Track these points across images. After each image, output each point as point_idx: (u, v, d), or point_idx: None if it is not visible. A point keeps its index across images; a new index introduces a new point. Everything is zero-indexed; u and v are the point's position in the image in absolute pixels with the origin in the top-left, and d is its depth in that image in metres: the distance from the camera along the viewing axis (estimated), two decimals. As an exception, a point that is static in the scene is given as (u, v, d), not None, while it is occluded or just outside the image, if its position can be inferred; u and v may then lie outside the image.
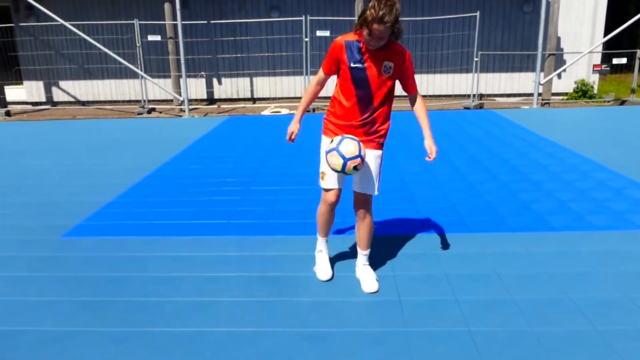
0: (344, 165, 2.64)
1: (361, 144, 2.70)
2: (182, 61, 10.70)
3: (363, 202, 2.91)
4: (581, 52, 11.50)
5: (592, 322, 2.58)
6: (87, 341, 2.51)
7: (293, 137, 2.98)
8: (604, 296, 2.83)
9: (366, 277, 3.00)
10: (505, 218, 4.05)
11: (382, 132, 2.86)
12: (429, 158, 2.84)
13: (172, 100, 12.02)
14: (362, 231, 2.99)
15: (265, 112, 10.88)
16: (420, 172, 5.44)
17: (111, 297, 2.95)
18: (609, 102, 11.81)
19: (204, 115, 10.79)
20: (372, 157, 2.85)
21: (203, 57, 12.54)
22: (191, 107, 11.43)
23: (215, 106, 12.22)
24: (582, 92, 12.03)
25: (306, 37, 10.87)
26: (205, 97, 12.86)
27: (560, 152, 6.18)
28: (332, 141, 2.72)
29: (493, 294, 2.89)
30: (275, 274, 3.19)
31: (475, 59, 11.14)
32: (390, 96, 2.82)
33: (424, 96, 12.46)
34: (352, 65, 2.69)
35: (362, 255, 3.06)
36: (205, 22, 12.15)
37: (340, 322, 2.64)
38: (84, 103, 12.84)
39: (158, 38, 11.58)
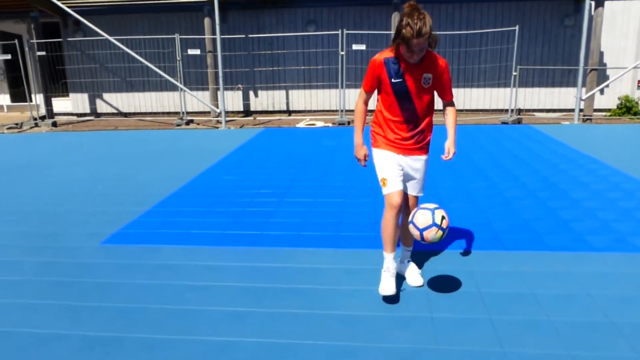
0: (421, 236, 2.74)
1: (436, 212, 2.74)
2: (220, 74, 10.94)
3: (413, 203, 3.09)
4: (625, 68, 11.16)
5: (634, 347, 2.47)
6: (122, 347, 2.57)
7: (367, 159, 3.07)
8: (648, 321, 2.71)
9: (412, 271, 3.19)
10: (543, 236, 3.94)
11: (429, 139, 3.04)
12: (445, 157, 2.97)
13: (209, 112, 12.29)
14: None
15: (300, 125, 10.97)
16: (455, 187, 5.36)
17: (146, 304, 3.01)
18: (655, 118, 11.37)
19: (240, 127, 10.96)
20: (422, 162, 3.04)
21: (240, 70, 12.79)
22: (228, 119, 11.64)
23: (251, 118, 12.41)
24: (627, 109, 11.64)
25: (342, 50, 10.94)
26: (241, 109, 13.08)
27: (602, 170, 5.99)
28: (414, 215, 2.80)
29: (529, 314, 2.80)
30: (307, 286, 3.20)
31: (514, 73, 10.96)
32: (432, 106, 2.96)
33: (460, 110, 12.33)
34: (393, 81, 2.79)
35: (407, 251, 3.24)
36: (243, 36, 12.41)
37: (370, 337, 2.61)
38: (125, 114, 13.26)
39: (197, 52, 11.88)
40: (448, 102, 3.01)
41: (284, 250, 3.78)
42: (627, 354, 2.41)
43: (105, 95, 13.34)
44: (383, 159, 2.96)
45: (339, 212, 4.64)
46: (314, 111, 12.83)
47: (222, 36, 10.94)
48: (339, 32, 10.98)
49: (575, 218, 4.31)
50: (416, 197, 3.10)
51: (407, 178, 3.02)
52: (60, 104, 13.31)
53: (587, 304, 2.90)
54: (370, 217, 4.48)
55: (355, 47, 11.41)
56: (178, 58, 11.69)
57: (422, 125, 2.94)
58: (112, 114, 13.36)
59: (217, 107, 11.57)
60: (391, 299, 2.95)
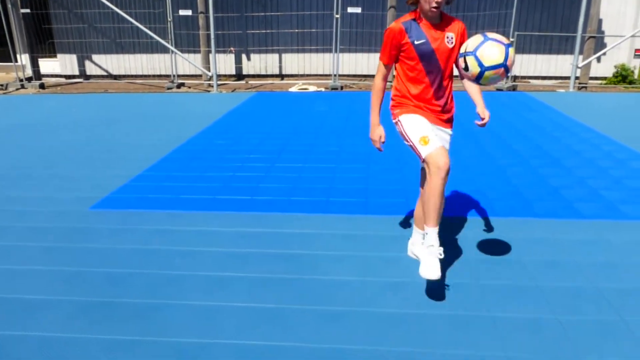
0: (481, 74, 2.30)
1: (510, 50, 2.29)
2: (212, 36, 10.70)
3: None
4: (623, 36, 11.01)
5: (619, 312, 2.51)
6: (112, 312, 2.57)
7: (383, 141, 2.83)
8: (632, 286, 2.74)
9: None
10: (533, 203, 3.95)
11: (453, 111, 2.90)
12: (482, 122, 2.74)
13: (201, 76, 12.08)
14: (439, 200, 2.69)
15: (293, 89, 10.83)
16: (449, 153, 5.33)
17: (136, 269, 3.01)
18: (650, 87, 11.31)
19: (232, 91, 10.81)
20: (449, 136, 2.92)
21: (233, 33, 12.51)
22: (219, 82, 11.46)
23: (243, 82, 12.22)
24: (622, 77, 11.55)
25: (337, 13, 10.70)
26: (233, 72, 12.86)
27: (595, 138, 5.98)
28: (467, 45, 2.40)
29: (516, 279, 2.83)
30: (296, 251, 3.20)
31: (512, 40, 10.79)
32: (453, 72, 2.78)
33: (457, 76, 12.19)
34: (416, 42, 2.62)
35: (420, 233, 2.94)
36: (236, -4, 12.09)
37: (359, 301, 2.63)
38: (115, 77, 13.01)
39: (189, 12, 11.59)
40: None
41: (274, 216, 3.77)
42: (610, 318, 2.45)
43: (95, 57, 13.05)
44: (414, 120, 2.70)
45: (329, 177, 4.62)
46: (307, 75, 12.65)
47: (213, -4, 10.64)
48: (334, -6, 10.70)
49: (565, 185, 4.32)
50: None
51: None
52: (47, 65, 13.01)
53: (573, 270, 2.93)
54: (360, 182, 4.47)
55: (350, 9, 11.15)
56: (169, 19, 11.39)
57: (447, 93, 2.78)
58: (102, 76, 13.10)
59: (209, 71, 11.36)
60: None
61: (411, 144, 2.69)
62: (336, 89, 10.79)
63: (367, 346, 2.28)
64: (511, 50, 2.29)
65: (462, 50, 2.43)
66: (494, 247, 3.23)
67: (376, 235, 3.41)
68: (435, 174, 2.56)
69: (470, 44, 2.35)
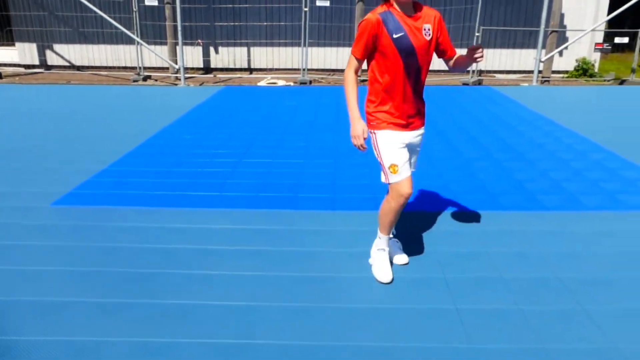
0: None
1: None
2: (179, 28, 10.50)
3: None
4: (584, 30, 11.33)
5: (579, 301, 2.59)
6: (78, 312, 2.51)
7: (365, 136, 2.60)
8: (593, 276, 2.84)
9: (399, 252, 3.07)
10: (498, 197, 4.04)
11: (424, 107, 2.80)
12: (479, 55, 2.56)
13: (168, 68, 11.84)
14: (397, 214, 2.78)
15: (262, 83, 10.74)
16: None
17: (102, 267, 2.94)
18: (608, 81, 11.70)
19: (200, 85, 10.65)
20: (422, 136, 2.82)
21: (200, 25, 12.30)
22: (187, 75, 11.27)
23: (211, 75, 12.05)
24: (583, 71, 11.90)
25: (305, 6, 10.65)
26: (201, 65, 12.66)
27: (557, 131, 6.14)
28: None
29: (481, 271, 2.89)
30: (265, 247, 3.19)
31: (477, 34, 10.96)
32: (429, 66, 2.70)
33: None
34: (394, 36, 2.50)
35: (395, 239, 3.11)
36: (203, -12, 11.87)
37: (327, 297, 2.64)
38: (78, 68, 12.63)
39: (155, 3, 11.32)
40: (453, 55, 2.75)
41: (242, 212, 3.74)
42: (571, 307, 2.53)
43: (56, 47, 12.63)
44: (389, 142, 2.63)
45: (298, 173, 4.61)
46: (276, 69, 12.56)
47: (179, -13, 10.42)
48: (302, -14, 10.64)
49: (529, 178, 4.43)
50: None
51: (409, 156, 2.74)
52: (5, 54, 12.52)
53: (536, 261, 3.01)
54: (329, 178, 4.47)
55: (319, 3, 11.10)
56: (134, 9, 11.11)
57: (421, 86, 2.69)
58: (64, 67, 12.69)
59: (176, 63, 11.15)
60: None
61: (381, 162, 2.69)
62: (305, 83, 10.76)
63: (338, 342, 2.29)
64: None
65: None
66: (461, 241, 3.28)
67: (345, 231, 3.42)
68: (396, 199, 2.67)
69: None
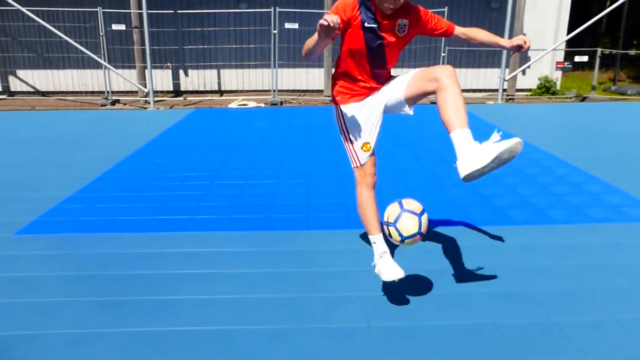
0: (402, 241, 2.50)
1: (423, 219, 2.48)
2: (148, 51, 10.46)
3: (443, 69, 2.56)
4: (545, 49, 11.76)
5: (549, 314, 2.64)
6: (44, 345, 2.42)
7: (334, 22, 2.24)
8: (562, 288, 2.90)
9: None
10: (468, 211, 4.10)
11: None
12: (525, 44, 2.68)
13: (137, 92, 11.75)
14: (458, 100, 2.62)
15: (232, 105, 10.74)
16: (385, 167, 5.46)
17: (68, 297, 2.85)
18: (570, 98, 12.13)
19: (170, 108, 10.58)
20: (386, 93, 2.68)
21: (169, 48, 12.29)
22: (156, 99, 11.20)
23: (181, 98, 12.00)
24: (546, 89, 12.32)
25: (275, 29, 10.77)
26: (171, 88, 12.61)
27: (524, 148, 6.29)
28: (389, 216, 2.53)
29: (453, 287, 2.92)
30: (239, 270, 3.15)
31: (443, 54, 11.26)
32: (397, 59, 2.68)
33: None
34: (366, 25, 2.42)
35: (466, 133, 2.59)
36: (172, 11, 11.89)
37: (303, 318, 2.62)
38: (44, 94, 12.40)
39: (123, 27, 11.28)
40: (455, 31, 2.76)
41: (215, 235, 3.70)
42: (541, 320, 2.57)
43: (20, 72, 12.39)
44: (357, 120, 2.63)
45: (271, 194, 4.60)
46: (247, 91, 12.60)
47: (148, 11, 10.41)
48: (272, 9, 10.77)
49: (497, 194, 4.52)
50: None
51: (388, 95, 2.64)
52: (-33, 82, 12.23)
53: (506, 274, 3.06)
54: (302, 198, 4.48)
55: (287, 25, 11.26)
56: (101, 33, 11.04)
57: (385, 78, 2.68)
58: (28, 93, 12.45)
59: (145, 87, 11.08)
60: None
61: (347, 142, 2.70)
62: (276, 104, 10.81)
63: (313, 363, 2.27)
64: (424, 218, 2.50)
65: (384, 219, 2.55)
66: (433, 257, 3.31)
67: (319, 251, 3.42)
68: (365, 188, 2.73)
69: (391, 214, 2.52)
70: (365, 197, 2.74)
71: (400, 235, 2.46)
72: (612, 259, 3.26)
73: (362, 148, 2.66)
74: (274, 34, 10.82)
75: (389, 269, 2.61)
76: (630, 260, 3.24)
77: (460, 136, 2.45)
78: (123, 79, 11.52)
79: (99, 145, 6.65)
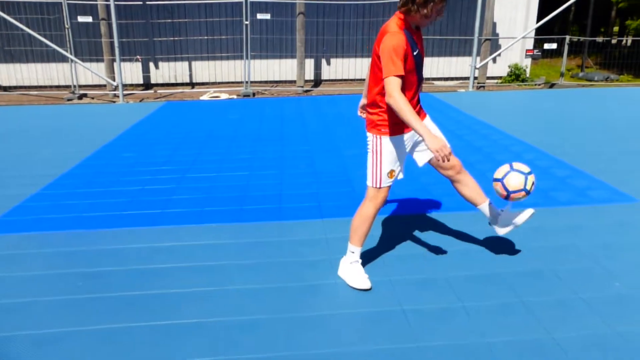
0: (507, 196, 2.74)
1: (529, 178, 2.72)
2: (116, 44, 10.22)
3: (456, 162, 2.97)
4: (515, 37, 11.91)
5: (518, 294, 2.69)
6: (9, 345, 2.36)
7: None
8: (529, 269, 2.96)
9: (515, 213, 2.97)
10: (442, 198, 4.14)
11: None
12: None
13: (105, 86, 11.49)
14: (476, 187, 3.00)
15: (204, 97, 10.61)
16: (359, 155, 5.47)
17: (33, 297, 2.78)
18: (539, 85, 12.33)
19: (140, 101, 10.39)
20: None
21: (138, 40, 12.04)
22: (126, 92, 10.98)
23: (151, 91, 11.79)
24: (516, 76, 12.50)
25: (246, 20, 10.64)
26: (141, 82, 12.38)
27: (494, 134, 6.40)
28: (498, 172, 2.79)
29: (426, 272, 2.95)
30: (212, 263, 3.12)
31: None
32: None
33: (363, 80, 12.56)
34: (414, 53, 2.56)
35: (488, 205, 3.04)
36: (141, 2, 11.63)
37: (276, 308, 2.61)
38: (5, 88, 12.03)
39: (89, 19, 10.99)
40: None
41: (187, 228, 3.65)
42: (509, 300, 2.62)
43: (-18, 68, 11.99)
44: (394, 151, 2.71)
45: (243, 185, 4.57)
46: (219, 83, 12.45)
47: (116, 2, 10.16)
48: (243, 0, 10.63)
49: (468, 180, 4.57)
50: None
51: (420, 146, 2.89)
52: None
53: (477, 257, 3.10)
54: (274, 189, 4.46)
55: (259, 16, 11.14)
56: (67, 25, 10.73)
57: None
58: (-8, 89, 12.06)
59: (114, 80, 10.85)
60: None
61: (375, 167, 2.73)
62: (248, 95, 10.72)
63: (288, 352, 2.26)
64: (530, 177, 2.74)
65: (494, 176, 2.81)
66: (404, 243, 3.34)
67: (292, 241, 3.41)
68: (374, 206, 2.78)
69: (500, 171, 2.80)
70: (370, 215, 2.80)
71: (507, 190, 2.72)
72: (576, 240, 3.34)
73: (387, 174, 2.75)
74: (246, 25, 10.69)
75: (359, 278, 2.81)
76: (593, 241, 3.33)
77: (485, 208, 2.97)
78: (91, 72, 11.25)
79: (65, 141, 6.50)
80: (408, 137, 2.77)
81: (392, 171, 2.74)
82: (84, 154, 5.75)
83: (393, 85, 2.42)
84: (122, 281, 2.91)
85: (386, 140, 2.69)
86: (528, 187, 2.70)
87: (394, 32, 2.47)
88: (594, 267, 2.98)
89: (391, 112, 2.61)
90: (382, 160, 2.72)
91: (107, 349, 2.31)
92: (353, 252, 2.85)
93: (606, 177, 4.61)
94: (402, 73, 2.44)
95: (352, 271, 2.84)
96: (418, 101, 2.77)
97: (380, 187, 2.75)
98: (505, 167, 2.79)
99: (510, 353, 2.24)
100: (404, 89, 2.51)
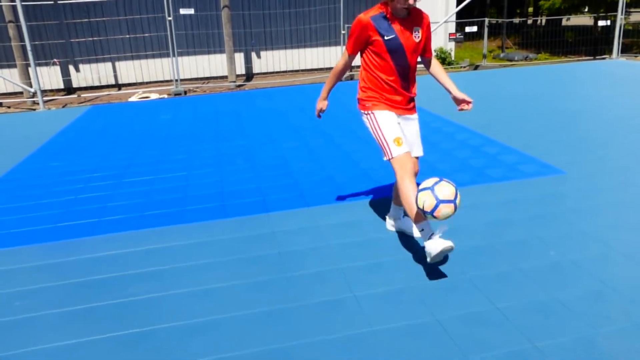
0: (435, 206, 2.45)
1: (458, 193, 2.50)
2: (29, 47, 9.59)
3: (415, 165, 2.97)
4: (437, 22, 12.30)
5: (462, 270, 2.80)
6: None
7: (323, 110, 3.24)
8: (470, 245, 3.08)
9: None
10: (381, 183, 4.23)
11: (415, 93, 2.97)
12: (466, 107, 2.90)
13: (22, 93, 10.78)
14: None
15: (133, 99, 10.21)
16: (298, 147, 5.48)
17: (-37, 321, 2.58)
18: (464, 67, 12.83)
19: (63, 107, 9.84)
20: (416, 121, 2.99)
21: (54, 42, 11.37)
22: (46, 98, 10.36)
23: (75, 96, 11.19)
24: (442, 60, 12.93)
25: (169, 16, 10.31)
26: (62, 86, 11.72)
27: (425, 117, 6.59)
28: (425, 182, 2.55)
29: (376, 258, 3.01)
30: (155, 268, 3.02)
31: (342, 32, 11.41)
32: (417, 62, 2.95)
33: (296, 71, 12.55)
34: (385, 38, 2.73)
35: (400, 209, 3.23)
36: (52, 2, 10.96)
37: (227, 307, 2.58)
38: None
39: (-4, 23, 10.23)
40: (430, 56, 3.01)
41: (127, 235, 3.51)
42: (456, 277, 2.73)
43: None
44: (389, 120, 2.84)
45: (183, 186, 4.45)
46: (147, 83, 12.02)
47: (23, 3, 9.52)
48: (163, -5, 10.28)
49: (406, 164, 4.69)
50: (417, 159, 3.02)
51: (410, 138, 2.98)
52: None
53: (417, 240, 3.20)
54: (215, 187, 4.38)
55: (182, 11, 10.82)
56: (-29, 31, 9.94)
57: (411, 81, 2.91)
58: None
59: (31, 87, 10.20)
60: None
61: (381, 140, 2.84)
62: (179, 94, 10.43)
63: (239, 351, 2.24)
64: (458, 193, 2.51)
65: (420, 187, 2.55)
66: (347, 230, 3.39)
67: (236, 238, 3.37)
68: (402, 179, 2.72)
69: (426, 205, 2.49)
70: (407, 188, 2.69)
71: (437, 198, 2.45)
72: (510, 214, 3.53)
73: (394, 142, 2.79)
74: (169, 21, 10.36)
75: (438, 241, 2.56)
76: (526, 213, 3.52)
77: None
78: (3, 79, 10.51)
79: (-16, 154, 6.04)
80: (399, 118, 2.92)
81: (397, 138, 2.79)
82: (4, 168, 5.37)
83: (342, 55, 2.98)
84: (59, 297, 2.76)
85: (376, 114, 2.88)
86: (457, 201, 2.49)
87: (358, 16, 2.78)
88: (529, 239, 3.16)
89: (371, 91, 2.90)
90: (382, 132, 2.83)
91: (53, 369, 2.19)
92: (423, 230, 2.67)
93: (534, 151, 4.88)
94: (349, 50, 2.89)
95: (434, 245, 2.56)
96: (403, 86, 2.86)
97: (393, 157, 2.79)
98: (434, 178, 2.58)
99: (459, 326, 2.33)
100: (379, 70, 2.82)
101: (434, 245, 2.54)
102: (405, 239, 3.22)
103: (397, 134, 2.81)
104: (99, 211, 3.98)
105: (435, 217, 2.48)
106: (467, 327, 2.32)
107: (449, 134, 5.67)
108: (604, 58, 13.02)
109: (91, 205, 4.10)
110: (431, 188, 2.48)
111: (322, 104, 3.20)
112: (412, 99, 2.96)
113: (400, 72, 2.84)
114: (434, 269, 2.84)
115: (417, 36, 2.81)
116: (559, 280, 2.67)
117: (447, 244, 2.52)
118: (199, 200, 4.07)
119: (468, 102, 2.89)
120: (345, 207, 3.80)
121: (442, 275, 2.77)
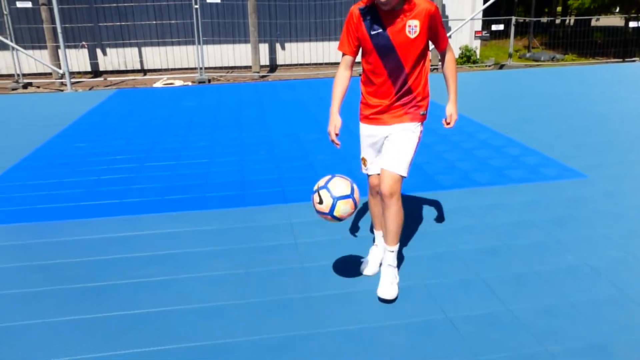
0: (334, 206, 2.33)
1: (354, 185, 2.39)
2: (59, 30, 9.77)
3: (390, 182, 2.48)
4: (464, 19, 12.16)
5: (476, 271, 2.80)
6: (-38, 343, 2.27)
7: (337, 132, 2.58)
8: (485, 246, 3.08)
9: (384, 279, 2.58)
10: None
11: (420, 98, 2.55)
12: (447, 124, 2.69)
13: (51, 74, 11.00)
14: (388, 221, 2.54)
15: (158, 84, 10.33)
16: (319, 140, 5.50)
17: (-11, 292, 2.68)
18: (489, 66, 12.67)
19: (89, 89, 10.01)
20: (402, 130, 2.53)
21: (83, 26, 11.55)
22: (73, 80, 10.55)
23: (101, 79, 11.37)
24: (467, 58, 12.78)
25: (196, 4, 10.38)
26: (89, 69, 11.91)
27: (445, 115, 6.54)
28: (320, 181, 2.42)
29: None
30: (172, 251, 3.09)
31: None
32: (423, 59, 2.49)
33: (320, 64, 12.54)
34: (372, 33, 2.38)
35: (388, 251, 2.59)
36: (83, -14, 11.13)
37: (238, 295, 2.62)
38: (-57, 79, 11.32)
39: (29, 4, 10.43)
40: (443, 50, 2.58)
41: (147, 217, 3.59)
42: (468, 277, 2.73)
43: None
44: (362, 135, 2.71)
45: (204, 173, 4.51)
46: (171, 69, 12.14)
47: (56, -14, 9.68)
48: (192, -17, 10.36)
49: (427, 161, 4.69)
50: (393, 175, 2.49)
51: (384, 150, 2.60)
52: None
53: (436, 237, 3.20)
54: (236, 175, 4.43)
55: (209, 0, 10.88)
56: (5, 12, 10.16)
57: (410, 82, 2.49)
58: None
59: (60, 68, 10.39)
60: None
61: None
62: (203, 82, 10.52)
63: (254, 337, 2.29)
64: (355, 186, 2.43)
65: (314, 188, 2.43)
66: (365, 223, 3.40)
67: (254, 227, 3.41)
68: (369, 194, 2.81)
69: (322, 180, 2.42)
70: (369, 200, 2.86)
71: (332, 196, 2.35)
72: (530, 216, 3.50)
73: (361, 161, 2.75)
74: (196, 9, 10.44)
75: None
76: (546, 216, 3.49)
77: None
78: (34, 60, 10.73)
79: (12, 132, 6.21)
80: (371, 131, 2.65)
81: (363, 158, 2.76)
82: (34, 145, 5.51)
83: (341, 61, 2.58)
84: (78, 273, 2.84)
85: (360, 126, 2.71)
86: (356, 196, 2.38)
87: (352, 7, 2.46)
88: (548, 241, 3.14)
89: (362, 94, 2.63)
90: (361, 145, 2.72)
91: (60, 341, 2.26)
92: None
93: (556, 154, 4.82)
94: (343, 50, 2.51)
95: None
96: (401, 90, 2.49)
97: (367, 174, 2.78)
98: (326, 177, 2.46)
99: (470, 326, 2.34)
100: (368, 73, 2.51)
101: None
102: (421, 235, 3.23)
103: (362, 153, 2.73)
104: (122, 193, 4.06)
105: (337, 218, 2.35)
106: (479, 327, 2.33)
107: (470, 134, 5.63)
108: (634, 61, 12.73)
109: (114, 187, 4.19)
110: (325, 186, 2.35)
111: (335, 122, 2.58)
112: (408, 103, 2.53)
113: (391, 73, 2.45)
114: (448, 267, 2.84)
115: (413, 31, 2.37)
116: (574, 284, 2.66)
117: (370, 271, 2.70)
118: (219, 188, 4.13)
119: (448, 122, 2.69)
120: (364, 201, 3.81)
121: (456, 274, 2.77)
